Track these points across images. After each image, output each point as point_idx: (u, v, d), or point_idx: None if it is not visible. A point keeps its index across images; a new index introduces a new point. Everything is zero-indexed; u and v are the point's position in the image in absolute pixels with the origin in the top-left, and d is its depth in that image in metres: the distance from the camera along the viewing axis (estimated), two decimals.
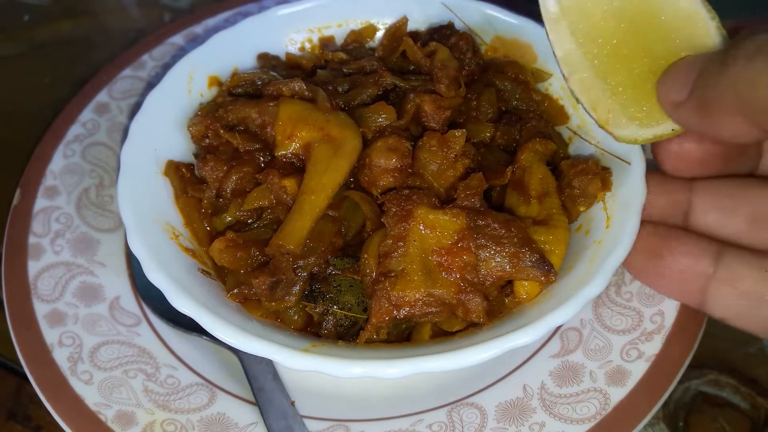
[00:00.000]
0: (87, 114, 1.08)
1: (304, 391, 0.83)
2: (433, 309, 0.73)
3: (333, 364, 0.69)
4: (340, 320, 0.78)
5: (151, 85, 1.08)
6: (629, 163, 0.81)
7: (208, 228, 0.86)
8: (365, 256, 0.76)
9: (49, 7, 1.40)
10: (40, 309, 0.89)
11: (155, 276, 0.74)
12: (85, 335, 0.87)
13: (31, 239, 0.96)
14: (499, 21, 0.98)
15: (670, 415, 0.85)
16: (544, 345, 0.86)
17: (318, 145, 0.82)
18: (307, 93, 0.87)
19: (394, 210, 0.76)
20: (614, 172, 0.82)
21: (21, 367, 0.85)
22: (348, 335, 0.78)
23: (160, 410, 0.82)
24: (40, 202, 1.00)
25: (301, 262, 0.78)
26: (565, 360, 0.84)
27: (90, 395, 0.82)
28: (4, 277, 0.92)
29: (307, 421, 0.82)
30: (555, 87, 0.94)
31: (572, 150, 0.90)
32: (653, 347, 0.83)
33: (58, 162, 1.04)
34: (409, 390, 0.84)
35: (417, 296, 0.73)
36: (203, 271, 0.81)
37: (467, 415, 0.81)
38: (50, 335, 0.87)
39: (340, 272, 0.79)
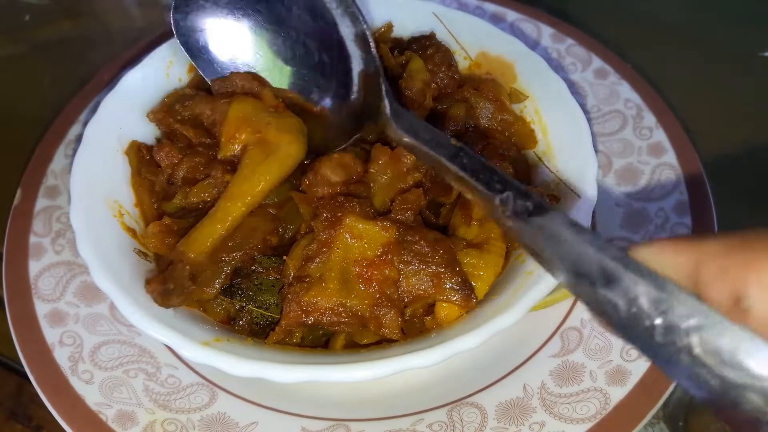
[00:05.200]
0: (88, 114, 1.08)
1: (304, 390, 0.83)
2: (344, 319, 0.74)
3: (226, 360, 0.70)
4: (256, 318, 0.79)
5: None
6: (579, 196, 0.81)
7: (157, 211, 0.87)
8: (286, 258, 0.77)
9: (49, 7, 1.40)
10: (41, 309, 0.89)
11: (83, 249, 0.77)
12: (85, 335, 0.87)
13: (32, 239, 0.96)
14: (485, 36, 0.98)
15: (670, 415, 0.85)
16: (544, 345, 0.86)
17: (251, 148, 0.81)
18: (255, 88, 0.87)
19: (325, 215, 0.77)
20: (563, 204, 0.82)
21: (22, 366, 0.85)
22: (264, 334, 0.78)
23: (161, 410, 0.82)
24: (41, 202, 1.00)
25: (225, 257, 0.78)
26: (565, 359, 0.85)
27: (91, 395, 0.82)
28: (4, 277, 0.92)
29: (307, 421, 0.82)
30: (529, 109, 0.94)
31: (535, 176, 0.90)
32: None
33: (59, 162, 1.04)
34: (410, 390, 0.84)
35: (328, 305, 0.73)
36: (140, 252, 0.82)
37: (467, 415, 0.81)
38: (51, 335, 0.87)
39: (263, 270, 0.79)
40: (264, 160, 0.79)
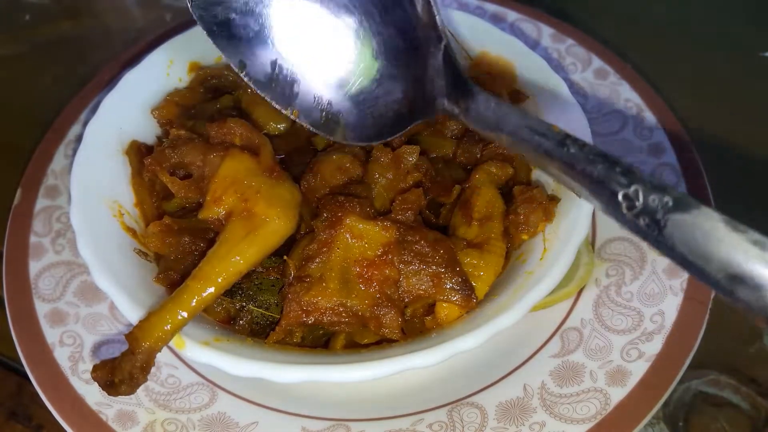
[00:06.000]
0: (88, 114, 1.08)
1: (304, 390, 0.83)
2: (344, 319, 0.74)
3: (226, 360, 0.71)
4: (256, 318, 0.79)
5: None
6: (579, 196, 0.80)
7: (157, 211, 0.86)
8: (286, 257, 0.77)
9: (49, 6, 1.40)
10: (41, 308, 0.89)
11: (83, 249, 0.77)
12: (86, 334, 0.88)
13: (32, 239, 0.96)
14: (486, 36, 0.98)
15: (670, 415, 0.85)
16: (544, 345, 0.86)
17: (233, 220, 0.73)
18: (255, 141, 0.80)
19: (325, 215, 0.76)
20: (563, 204, 0.82)
21: (22, 366, 0.85)
22: (264, 334, 0.78)
23: (161, 410, 0.82)
24: (41, 202, 1.00)
25: None
26: (565, 360, 0.85)
27: (91, 395, 0.82)
28: (5, 277, 0.92)
29: (307, 421, 0.82)
30: (529, 109, 0.93)
31: (536, 176, 0.89)
32: (654, 347, 0.83)
33: (59, 162, 1.04)
34: (410, 389, 0.84)
35: (328, 305, 0.73)
36: (140, 252, 0.82)
37: (468, 415, 0.81)
38: (51, 335, 0.87)
39: (264, 270, 0.79)
40: (245, 238, 0.72)
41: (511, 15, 1.18)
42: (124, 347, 0.86)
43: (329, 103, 0.81)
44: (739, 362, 0.88)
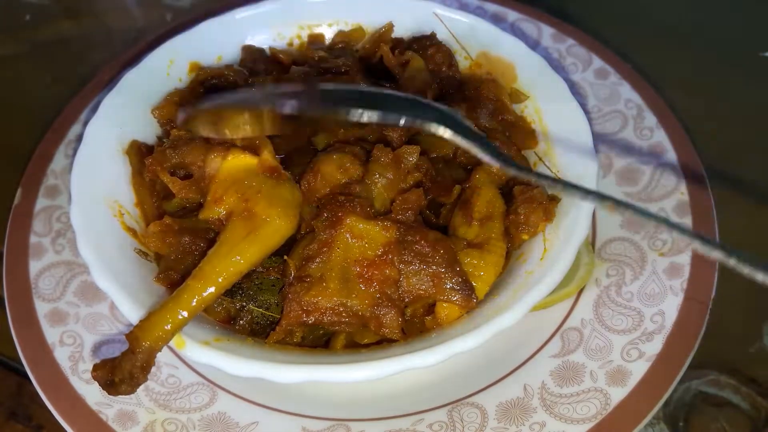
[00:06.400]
0: (88, 114, 1.08)
1: (304, 390, 0.83)
2: (344, 319, 0.74)
3: (226, 360, 0.71)
4: (257, 318, 0.79)
5: None
6: None
7: (158, 210, 0.86)
8: (286, 257, 0.77)
9: (49, 6, 1.40)
10: (41, 308, 0.89)
11: (84, 249, 0.77)
12: (86, 334, 0.87)
13: (33, 239, 0.96)
14: (486, 36, 0.98)
15: (671, 415, 0.85)
16: (544, 345, 0.86)
17: (234, 220, 0.74)
18: (256, 142, 0.79)
19: (325, 215, 0.76)
20: (563, 204, 0.82)
21: (22, 366, 0.85)
22: (264, 334, 0.78)
23: (161, 410, 0.82)
24: (42, 202, 1.00)
25: None
26: (565, 360, 0.85)
27: (91, 394, 0.82)
28: (5, 277, 0.93)
29: (307, 421, 0.82)
30: (530, 110, 0.94)
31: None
32: (654, 347, 0.83)
33: (59, 161, 1.04)
34: (410, 389, 0.84)
35: (328, 304, 0.73)
36: (140, 252, 0.82)
37: (468, 415, 0.81)
38: (51, 334, 0.87)
39: (264, 270, 0.79)
40: (245, 238, 0.72)
41: (512, 15, 1.18)
42: (125, 347, 0.86)
43: None
44: (739, 362, 0.88)
